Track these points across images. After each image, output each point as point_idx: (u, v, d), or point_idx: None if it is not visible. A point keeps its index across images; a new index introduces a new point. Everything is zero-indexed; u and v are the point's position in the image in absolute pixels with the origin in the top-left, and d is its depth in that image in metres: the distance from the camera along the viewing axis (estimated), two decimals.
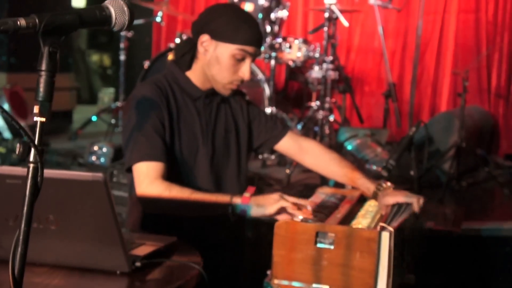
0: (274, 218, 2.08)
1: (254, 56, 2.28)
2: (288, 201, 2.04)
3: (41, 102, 1.14)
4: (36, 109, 1.13)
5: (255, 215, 2.08)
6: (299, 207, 2.03)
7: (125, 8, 1.25)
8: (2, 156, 4.86)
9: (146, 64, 5.05)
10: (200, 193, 2.13)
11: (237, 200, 2.07)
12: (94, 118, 5.99)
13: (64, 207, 1.57)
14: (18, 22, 1.10)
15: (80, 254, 1.62)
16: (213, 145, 2.30)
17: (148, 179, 2.12)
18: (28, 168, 1.13)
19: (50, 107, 1.15)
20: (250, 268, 2.55)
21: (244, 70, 2.26)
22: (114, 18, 1.24)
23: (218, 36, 2.23)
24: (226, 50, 2.23)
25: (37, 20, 1.12)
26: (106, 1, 1.25)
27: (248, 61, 2.26)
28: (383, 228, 1.83)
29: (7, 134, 5.21)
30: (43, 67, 1.14)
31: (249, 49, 2.24)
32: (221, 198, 2.11)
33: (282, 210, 2.05)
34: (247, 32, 2.22)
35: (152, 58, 5.15)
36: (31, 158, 1.12)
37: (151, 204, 2.16)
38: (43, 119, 1.14)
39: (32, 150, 1.11)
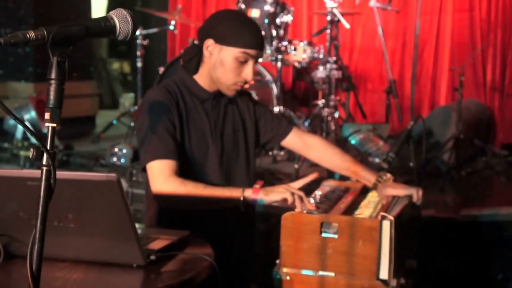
0: (282, 205, 2.09)
1: (257, 58, 2.27)
2: (293, 194, 2.04)
3: (51, 109, 1.14)
4: (47, 115, 1.13)
5: (264, 200, 2.09)
6: (301, 200, 2.03)
7: (129, 18, 1.24)
8: (31, 160, 4.88)
9: (161, 69, 5.06)
10: (213, 187, 2.13)
11: (248, 191, 2.08)
12: (114, 122, 6.01)
13: (81, 206, 1.57)
14: (28, 35, 1.10)
15: (98, 250, 1.62)
16: (222, 144, 2.30)
17: (163, 176, 2.12)
18: (42, 170, 1.12)
19: (60, 113, 1.14)
20: (260, 259, 2.55)
21: (247, 72, 2.26)
22: (118, 28, 1.24)
23: (222, 40, 2.23)
24: (230, 53, 2.22)
25: (45, 32, 1.11)
26: (110, 12, 1.25)
27: (250, 63, 2.25)
28: (383, 217, 1.82)
29: (35, 140, 5.23)
30: (53, 76, 1.14)
31: (251, 52, 2.23)
32: (233, 190, 2.11)
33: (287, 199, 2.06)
34: (249, 36, 2.22)
35: (167, 64, 5.15)
36: (44, 162, 1.12)
37: (167, 200, 2.15)
38: (54, 125, 1.13)
39: (45, 154, 1.11)
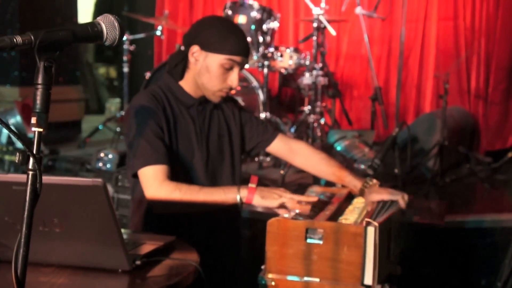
0: (274, 211, 2.09)
1: (242, 65, 2.28)
2: (289, 198, 2.06)
3: (38, 113, 1.14)
4: (33, 120, 1.13)
5: (258, 205, 2.11)
6: (298, 203, 2.04)
7: (116, 24, 1.25)
8: (15, 164, 4.85)
9: (147, 75, 5.05)
10: (208, 188, 2.14)
11: (243, 191, 2.08)
12: (100, 127, 5.99)
13: (67, 210, 1.57)
14: (15, 40, 1.10)
15: (84, 255, 1.62)
16: (207, 150, 2.30)
17: (157, 181, 2.12)
18: (28, 175, 1.12)
19: (47, 117, 1.14)
20: (246, 264, 2.54)
21: (233, 79, 2.26)
22: (105, 33, 1.24)
23: (207, 47, 2.23)
24: (215, 60, 2.23)
25: (32, 37, 1.11)
26: (98, 18, 1.25)
27: (236, 70, 2.26)
28: (368, 223, 1.83)
29: (20, 144, 5.21)
30: (39, 80, 1.14)
31: (237, 58, 2.23)
32: (229, 190, 2.12)
33: (283, 205, 2.07)
34: (234, 42, 2.22)
35: (153, 69, 5.15)
36: (30, 166, 1.12)
37: (162, 205, 2.14)
38: (41, 129, 1.13)
39: (31, 158, 1.10)
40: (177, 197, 2.09)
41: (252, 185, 2.10)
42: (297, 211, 2.02)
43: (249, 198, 2.08)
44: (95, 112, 8.76)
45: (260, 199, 2.08)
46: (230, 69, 2.25)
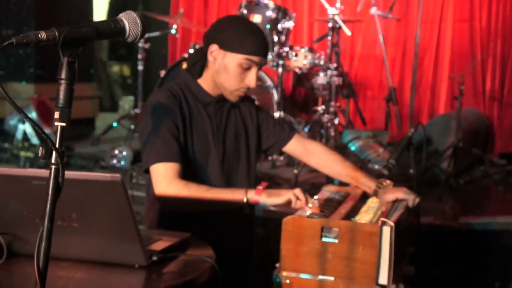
0: (281, 210, 2.10)
1: (260, 65, 2.28)
2: (296, 196, 2.06)
3: (61, 108, 1.15)
4: (56, 114, 1.14)
5: (266, 203, 2.11)
6: (306, 202, 2.05)
7: (138, 20, 1.26)
8: (30, 160, 4.89)
9: (162, 73, 5.07)
10: (216, 189, 2.15)
11: (251, 193, 2.10)
12: (114, 124, 6.02)
13: (85, 206, 1.58)
14: (40, 35, 1.11)
15: (101, 250, 1.63)
16: (224, 148, 2.31)
17: (167, 179, 2.13)
18: (50, 169, 1.14)
19: (70, 112, 1.16)
20: (260, 262, 2.55)
21: (251, 78, 2.27)
22: (128, 30, 1.25)
23: (226, 46, 2.24)
24: (233, 60, 2.23)
25: (56, 33, 1.13)
26: (120, 14, 1.26)
27: (254, 70, 2.26)
28: (384, 223, 1.83)
29: (35, 140, 5.25)
30: (63, 75, 1.15)
31: (255, 58, 2.24)
32: (236, 191, 2.13)
33: (290, 202, 2.08)
34: (253, 42, 2.23)
35: (168, 67, 5.16)
36: (53, 160, 1.13)
37: (170, 202, 2.16)
38: (64, 124, 1.15)
39: (54, 152, 1.12)
40: (185, 195, 2.11)
41: (260, 187, 2.11)
42: (308, 212, 2.02)
43: (256, 198, 2.09)
44: (109, 110, 8.80)
45: (266, 198, 2.09)
46: (248, 68, 2.25)
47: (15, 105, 1.07)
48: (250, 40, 2.22)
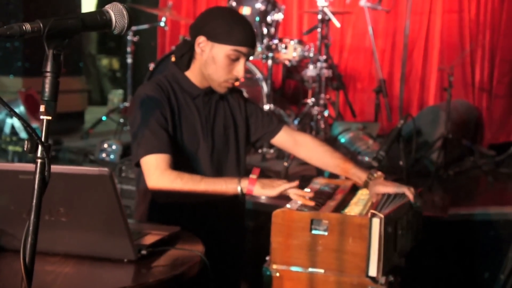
0: (271, 203, 2.09)
1: (248, 56, 2.27)
2: (289, 188, 2.05)
3: (46, 101, 1.14)
4: (42, 108, 1.13)
5: (259, 194, 2.11)
6: (299, 195, 2.04)
7: (124, 12, 1.25)
8: (19, 154, 4.86)
9: (151, 66, 5.05)
10: (210, 178, 2.14)
11: (244, 182, 2.08)
12: (104, 118, 6.00)
13: (73, 200, 1.57)
14: (24, 27, 1.10)
15: (90, 244, 1.62)
16: (212, 140, 2.30)
17: (159, 170, 2.12)
18: (36, 163, 1.12)
19: (55, 106, 1.14)
20: (250, 255, 2.55)
21: (239, 69, 2.26)
22: (114, 22, 1.24)
23: (214, 37, 2.23)
24: (221, 51, 2.22)
25: (41, 25, 1.11)
26: (106, 6, 1.24)
27: (242, 61, 2.26)
28: (373, 215, 1.83)
29: (23, 134, 5.22)
30: (48, 68, 1.14)
31: (243, 49, 2.23)
32: (230, 181, 2.11)
33: (284, 193, 2.07)
34: (241, 33, 2.22)
35: (157, 60, 5.14)
36: (39, 154, 1.12)
37: (163, 194, 2.15)
38: (49, 117, 1.13)
39: (39, 146, 1.10)
40: (179, 186, 2.09)
41: (253, 176, 2.10)
42: (299, 202, 2.01)
43: (249, 188, 2.08)
44: (98, 103, 8.76)
45: (260, 188, 2.08)
46: (236, 60, 2.24)
47: (0, 99, 1.05)
48: (238, 31, 2.22)
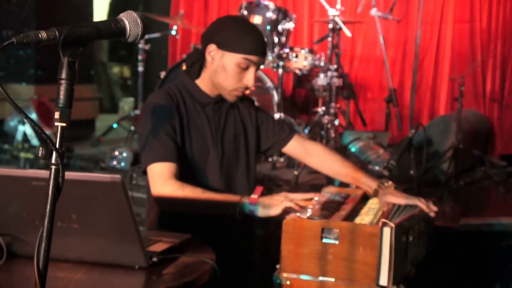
0: (281, 216, 2.08)
1: (258, 65, 2.28)
2: (292, 201, 2.04)
3: (61, 108, 1.15)
4: (57, 114, 1.14)
5: (261, 215, 2.08)
6: (302, 207, 2.03)
7: (139, 20, 1.25)
8: (30, 161, 4.89)
9: (162, 74, 5.07)
10: (211, 192, 2.13)
11: (245, 201, 2.08)
12: (115, 126, 6.02)
13: (85, 206, 1.58)
14: (40, 35, 1.11)
15: (101, 251, 1.63)
16: (222, 149, 2.30)
17: (162, 179, 2.13)
18: (50, 169, 1.13)
19: (70, 113, 1.15)
20: (260, 263, 2.55)
21: (249, 78, 2.26)
22: (128, 30, 1.25)
23: (224, 46, 2.24)
24: (232, 59, 2.23)
25: (57, 33, 1.12)
26: (121, 14, 1.26)
27: (252, 70, 2.26)
28: (384, 224, 1.83)
29: (35, 141, 5.25)
30: (63, 75, 1.15)
31: (253, 58, 2.24)
32: (231, 198, 2.11)
33: (287, 210, 2.05)
34: (251, 42, 2.23)
35: (168, 68, 5.16)
36: (53, 160, 1.13)
37: (165, 202, 2.15)
38: (64, 124, 1.14)
39: (54, 152, 1.11)
40: (180, 196, 2.10)
41: (254, 196, 2.08)
42: (310, 211, 2.01)
43: (251, 210, 2.07)
44: (109, 111, 8.80)
45: (263, 209, 2.06)
46: (246, 68, 2.25)
47: (16, 106, 1.07)
48: (248, 39, 2.22)
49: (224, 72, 2.25)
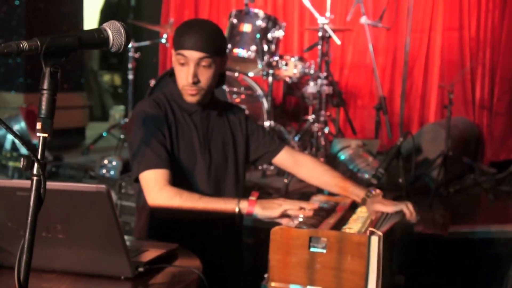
0: (276, 221, 2.08)
1: (197, 61, 2.22)
2: (290, 205, 2.05)
3: (43, 119, 1.14)
4: (38, 125, 1.13)
5: (260, 217, 2.09)
6: (301, 208, 2.04)
7: (122, 30, 1.25)
8: (19, 170, 4.86)
9: (152, 82, 5.06)
10: (208, 197, 2.13)
11: (243, 203, 2.08)
12: (104, 134, 6.00)
13: (70, 217, 1.56)
14: (21, 45, 1.10)
15: (86, 261, 1.61)
16: (210, 156, 2.29)
17: (158, 186, 2.12)
18: (32, 180, 1.12)
19: (52, 123, 1.14)
20: (248, 272, 2.54)
21: (186, 74, 2.23)
22: (112, 40, 1.24)
23: (173, 46, 2.27)
24: (173, 57, 2.27)
25: (38, 43, 1.12)
26: (104, 24, 1.25)
27: (189, 66, 2.23)
28: (372, 233, 1.82)
29: (24, 150, 5.22)
30: (45, 86, 1.14)
31: (185, 52, 2.21)
32: (229, 201, 2.11)
33: (285, 213, 2.07)
34: (185, 37, 2.21)
35: (158, 76, 5.15)
36: (35, 171, 1.12)
37: (162, 210, 2.14)
38: (46, 135, 1.13)
39: (35, 163, 1.10)
40: (177, 203, 2.09)
41: (252, 198, 2.09)
42: (301, 218, 2.01)
43: (249, 209, 2.07)
44: (99, 119, 8.78)
45: (261, 210, 2.07)
46: (185, 64, 2.24)
47: None
48: (184, 35, 2.22)
49: (175, 72, 2.26)
